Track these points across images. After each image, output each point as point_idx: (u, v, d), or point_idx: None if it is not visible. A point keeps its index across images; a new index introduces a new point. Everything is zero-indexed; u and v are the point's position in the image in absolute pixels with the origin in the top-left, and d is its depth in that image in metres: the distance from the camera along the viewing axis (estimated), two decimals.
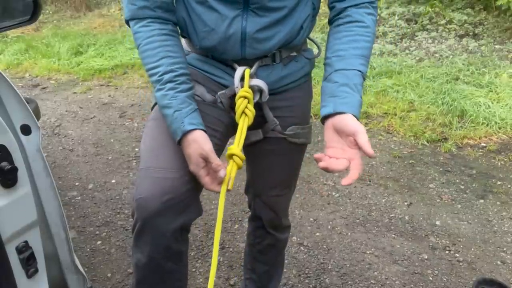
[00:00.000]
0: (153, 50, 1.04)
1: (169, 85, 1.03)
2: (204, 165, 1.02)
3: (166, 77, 1.03)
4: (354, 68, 1.03)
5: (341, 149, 0.98)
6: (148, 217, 1.03)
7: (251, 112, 1.10)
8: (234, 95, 1.13)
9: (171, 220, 1.04)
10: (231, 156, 1.06)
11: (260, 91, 1.13)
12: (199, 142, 1.01)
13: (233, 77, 1.12)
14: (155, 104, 1.19)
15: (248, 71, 1.11)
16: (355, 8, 1.07)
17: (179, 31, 1.15)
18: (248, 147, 1.28)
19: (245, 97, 1.09)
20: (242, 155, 1.06)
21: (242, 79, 1.11)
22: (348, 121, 0.97)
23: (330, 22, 1.14)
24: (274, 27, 1.07)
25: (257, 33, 1.06)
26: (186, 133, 1.02)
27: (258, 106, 1.16)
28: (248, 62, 1.12)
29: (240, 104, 1.09)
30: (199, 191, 1.14)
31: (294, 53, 1.18)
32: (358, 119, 0.99)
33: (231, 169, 1.05)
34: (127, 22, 1.09)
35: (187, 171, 1.06)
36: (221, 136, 1.18)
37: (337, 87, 1.02)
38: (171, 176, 1.04)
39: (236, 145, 1.07)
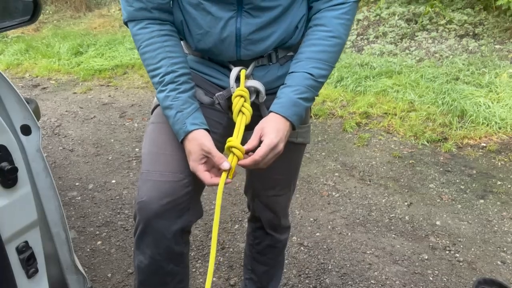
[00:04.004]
0: (153, 51, 1.05)
1: (171, 86, 1.04)
2: (204, 161, 1.03)
3: (167, 78, 1.04)
4: (304, 70, 1.05)
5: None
6: (149, 219, 1.04)
7: (248, 110, 1.09)
8: (231, 96, 1.13)
9: (172, 222, 1.05)
10: (230, 148, 1.05)
11: (257, 92, 1.13)
12: (200, 139, 1.03)
13: (229, 77, 1.13)
14: (155, 107, 1.19)
15: (243, 72, 1.11)
16: (326, 10, 1.07)
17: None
18: None
19: (241, 96, 1.09)
20: (242, 147, 1.05)
21: (237, 79, 1.11)
22: (267, 128, 1.02)
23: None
24: (268, 28, 1.07)
25: (252, 35, 1.06)
26: (188, 133, 1.03)
27: (255, 106, 1.16)
28: (244, 63, 1.12)
29: (236, 103, 1.09)
30: (199, 194, 1.14)
31: (291, 53, 1.18)
32: (290, 118, 1.03)
33: (232, 160, 1.04)
34: (125, 23, 1.10)
35: (186, 174, 1.06)
36: (219, 138, 1.19)
37: (281, 88, 1.07)
38: (170, 180, 1.05)
39: (235, 138, 1.06)
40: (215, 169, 1.04)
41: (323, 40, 1.06)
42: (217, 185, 1.01)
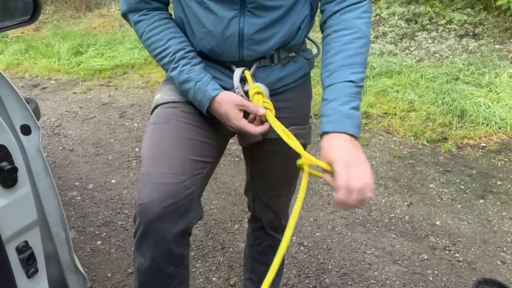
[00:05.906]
0: (158, 34, 1.10)
1: (183, 61, 1.09)
2: (242, 116, 1.06)
3: (178, 55, 1.09)
4: (343, 80, 0.99)
5: None
6: (149, 222, 1.03)
7: (270, 104, 1.09)
8: None
9: (173, 224, 1.04)
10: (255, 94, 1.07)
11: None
12: (230, 97, 1.07)
13: (231, 78, 1.12)
14: (155, 107, 1.19)
15: (247, 72, 1.11)
16: (344, 12, 1.04)
17: None
18: (247, 148, 1.28)
19: (258, 93, 1.08)
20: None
21: (241, 80, 1.11)
22: (330, 151, 1.02)
23: (321, 26, 1.11)
24: (271, 28, 1.06)
25: (255, 35, 1.05)
26: (212, 99, 1.07)
27: None
28: (246, 64, 1.12)
29: (257, 101, 1.08)
30: (200, 195, 1.14)
31: (293, 54, 1.18)
32: (350, 132, 0.98)
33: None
34: (124, 15, 1.14)
35: (188, 176, 1.06)
36: (222, 138, 1.18)
37: (325, 104, 1.01)
38: (171, 181, 1.04)
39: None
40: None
41: (351, 44, 1.01)
42: (263, 132, 1.08)
